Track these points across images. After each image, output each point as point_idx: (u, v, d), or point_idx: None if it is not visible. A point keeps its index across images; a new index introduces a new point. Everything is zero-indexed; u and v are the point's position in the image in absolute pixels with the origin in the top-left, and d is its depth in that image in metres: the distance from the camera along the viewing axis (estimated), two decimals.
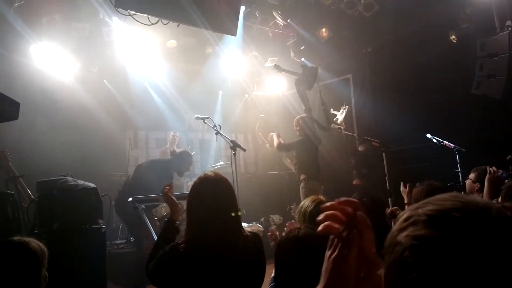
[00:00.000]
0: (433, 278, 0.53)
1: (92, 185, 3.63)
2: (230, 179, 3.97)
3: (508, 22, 5.04)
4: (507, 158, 3.24)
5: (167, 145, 7.39)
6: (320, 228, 0.78)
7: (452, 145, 5.27)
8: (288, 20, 6.70)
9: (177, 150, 5.35)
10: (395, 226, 0.62)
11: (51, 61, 5.97)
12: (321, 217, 0.80)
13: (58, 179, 3.62)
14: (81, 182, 3.65)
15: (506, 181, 3.04)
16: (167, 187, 2.42)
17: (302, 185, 5.19)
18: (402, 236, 0.59)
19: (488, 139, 5.53)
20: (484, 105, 5.57)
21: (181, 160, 4.96)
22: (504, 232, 0.53)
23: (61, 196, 3.45)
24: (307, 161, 5.23)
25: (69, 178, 3.65)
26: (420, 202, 0.62)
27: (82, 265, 3.23)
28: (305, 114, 5.47)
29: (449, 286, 0.52)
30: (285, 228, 2.40)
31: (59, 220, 3.40)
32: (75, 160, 5.71)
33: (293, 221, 2.55)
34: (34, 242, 1.71)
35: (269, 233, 2.36)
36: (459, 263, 0.52)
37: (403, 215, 0.62)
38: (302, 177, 5.23)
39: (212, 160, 8.33)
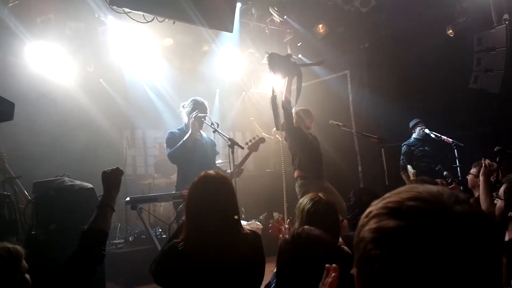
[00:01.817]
0: (395, 267, 0.55)
1: (89, 185, 3.62)
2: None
3: (506, 16, 5.02)
4: (495, 149, 3.24)
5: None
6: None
7: (450, 140, 5.26)
8: (285, 17, 6.66)
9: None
10: (359, 223, 0.64)
11: (46, 61, 5.92)
12: None
13: (55, 180, 3.61)
14: (77, 182, 3.64)
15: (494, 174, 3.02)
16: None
17: (296, 184, 4.86)
18: (364, 231, 0.61)
19: (486, 133, 5.53)
20: (482, 100, 5.56)
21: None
22: (456, 215, 0.56)
23: (57, 197, 3.44)
24: (300, 156, 4.86)
25: (66, 179, 3.64)
26: (380, 198, 0.64)
27: None
28: (305, 108, 5.18)
29: (411, 273, 0.54)
30: (270, 226, 2.40)
31: (56, 220, 3.39)
32: (72, 160, 5.69)
33: (280, 215, 2.54)
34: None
35: (270, 226, 2.36)
36: (418, 249, 0.54)
37: (366, 211, 0.64)
38: (296, 174, 4.89)
39: None
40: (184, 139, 4.15)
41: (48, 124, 5.99)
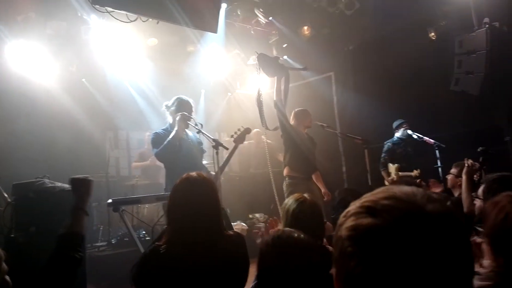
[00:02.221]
0: (370, 264, 0.57)
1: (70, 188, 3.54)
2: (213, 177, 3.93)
3: (486, 20, 5.13)
4: (478, 150, 3.31)
5: (146, 146, 7.30)
6: None
7: (432, 141, 5.35)
8: (270, 18, 6.67)
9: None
10: (338, 222, 0.67)
11: (27, 61, 5.80)
12: None
13: (35, 182, 3.54)
14: (58, 184, 3.57)
15: (476, 174, 3.09)
16: None
17: (284, 182, 4.90)
18: (342, 230, 0.64)
19: (466, 134, 5.64)
20: (463, 101, 5.67)
21: None
22: (427, 213, 0.59)
23: (38, 199, 3.38)
24: (291, 153, 4.90)
25: (46, 180, 3.57)
26: (360, 198, 0.67)
27: None
28: (303, 108, 5.22)
29: (385, 269, 0.56)
30: (266, 225, 2.39)
31: (36, 223, 3.32)
32: (53, 161, 5.58)
33: (275, 217, 2.52)
34: None
35: (256, 231, 2.35)
36: (391, 246, 0.57)
37: (345, 211, 0.67)
38: (285, 172, 4.92)
39: None
40: (170, 137, 4.08)
41: (28, 124, 5.86)
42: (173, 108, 4.28)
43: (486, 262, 1.28)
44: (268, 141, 5.96)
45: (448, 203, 0.62)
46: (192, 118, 4.21)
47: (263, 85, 8.26)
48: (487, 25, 5.08)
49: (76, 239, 1.72)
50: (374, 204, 0.62)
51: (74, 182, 1.88)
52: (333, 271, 0.66)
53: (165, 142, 4.06)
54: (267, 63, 4.86)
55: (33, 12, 5.50)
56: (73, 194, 1.87)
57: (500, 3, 5.16)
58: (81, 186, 1.87)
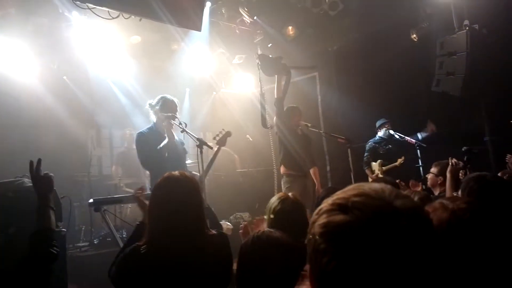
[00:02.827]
0: (342, 259, 0.59)
1: None
2: (197, 178, 3.92)
3: (466, 22, 5.23)
4: (463, 149, 3.38)
5: (126, 144, 7.21)
6: None
7: (413, 140, 5.44)
8: (255, 18, 6.68)
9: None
10: (311, 220, 0.69)
11: (7, 58, 5.67)
12: None
13: (14, 181, 3.46)
14: None
15: (461, 173, 3.15)
16: (139, 191, 2.37)
17: (282, 181, 4.99)
18: (314, 227, 0.65)
19: (447, 134, 5.75)
20: (444, 102, 5.77)
21: None
22: (396, 208, 0.62)
23: (17, 199, 3.30)
24: (285, 152, 4.98)
25: (26, 180, 3.49)
26: (332, 195, 0.69)
27: None
28: (293, 105, 5.28)
29: (357, 264, 0.58)
30: (247, 226, 2.38)
31: (15, 223, 3.25)
32: (34, 160, 5.46)
33: (262, 217, 2.52)
34: None
35: (241, 231, 2.34)
36: (362, 241, 0.59)
37: (317, 209, 0.69)
38: (281, 170, 5.02)
39: None
40: (161, 147, 4.05)
41: (8, 122, 5.73)
42: (157, 107, 4.24)
43: None
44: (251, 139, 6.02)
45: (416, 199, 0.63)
46: (177, 117, 4.18)
47: (250, 84, 8.33)
48: (467, 27, 5.18)
49: (48, 234, 1.74)
50: (345, 201, 0.64)
51: (35, 179, 1.90)
52: (307, 268, 0.68)
53: (155, 152, 4.04)
54: (267, 63, 5.01)
55: (13, 8, 5.37)
56: (35, 191, 1.88)
57: (479, 6, 5.27)
58: (42, 183, 1.89)
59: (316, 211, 0.68)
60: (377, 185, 0.67)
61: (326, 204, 0.67)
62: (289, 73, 5.07)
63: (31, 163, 1.93)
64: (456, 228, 1.04)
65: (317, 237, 0.63)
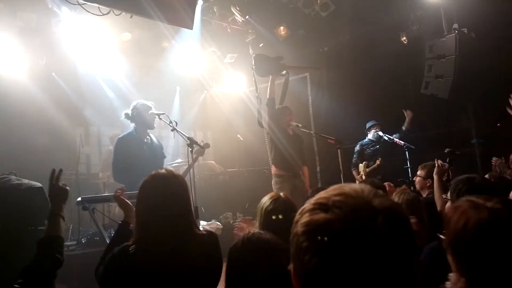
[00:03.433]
0: (324, 257, 0.61)
1: (38, 184, 3.44)
2: (187, 177, 3.90)
3: (455, 25, 5.29)
4: (445, 151, 3.43)
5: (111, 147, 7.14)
6: None
7: (402, 142, 5.49)
8: (247, 17, 6.67)
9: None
10: (294, 220, 0.70)
11: None
12: None
13: (0, 178, 3.40)
14: (25, 181, 3.46)
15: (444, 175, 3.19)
16: (119, 190, 2.35)
17: (273, 181, 5.01)
18: (297, 226, 0.68)
19: (436, 136, 5.83)
20: (432, 104, 5.84)
21: None
22: (374, 207, 0.64)
23: (3, 197, 3.26)
24: (275, 152, 4.98)
25: (12, 177, 3.45)
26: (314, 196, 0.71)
27: None
28: (284, 105, 5.30)
29: (337, 261, 0.60)
30: (236, 227, 2.37)
31: (1, 221, 3.20)
32: (20, 158, 5.39)
33: (245, 218, 2.51)
34: None
35: (235, 230, 2.33)
36: (342, 239, 0.61)
37: (300, 208, 0.71)
38: (272, 170, 5.04)
39: (169, 157, 8.15)
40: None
41: None
42: (135, 114, 4.38)
43: (452, 275, 1.22)
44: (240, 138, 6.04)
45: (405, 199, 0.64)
46: (165, 114, 4.22)
47: (242, 83, 8.33)
48: (456, 31, 5.25)
49: (56, 242, 1.82)
50: (326, 200, 0.67)
51: (53, 188, 1.97)
52: (290, 267, 0.69)
53: (131, 158, 4.11)
54: (263, 63, 5.04)
55: (1, 2, 5.29)
56: (50, 200, 1.96)
57: (468, 10, 5.35)
58: (59, 193, 1.97)
59: (300, 210, 0.70)
60: (357, 186, 0.70)
61: (308, 203, 0.69)
62: (287, 74, 5.13)
63: (53, 171, 1.99)
64: (498, 227, 1.07)
65: (300, 235, 0.66)
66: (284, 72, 5.21)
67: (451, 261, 1.21)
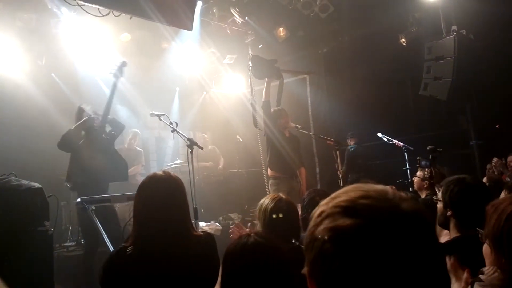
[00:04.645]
0: (354, 264, 0.59)
1: (38, 185, 3.44)
2: (187, 178, 3.91)
3: (454, 27, 5.31)
4: (427, 148, 3.44)
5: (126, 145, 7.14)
6: None
7: (401, 143, 5.51)
8: (246, 18, 6.68)
9: None
10: (311, 223, 0.67)
11: None
12: None
13: (0, 179, 3.40)
14: (25, 182, 3.45)
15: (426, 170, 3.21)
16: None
17: (269, 183, 5.03)
18: (319, 231, 0.64)
19: (434, 137, 5.84)
20: (431, 106, 5.86)
21: None
22: (403, 211, 0.62)
23: (3, 197, 3.25)
24: (271, 154, 5.01)
25: (12, 178, 3.44)
26: (328, 198, 0.68)
27: (27, 270, 3.05)
28: (279, 108, 5.30)
29: (369, 268, 0.58)
30: (231, 231, 2.37)
31: (1, 222, 3.20)
32: (20, 158, 5.39)
33: (238, 223, 2.50)
34: None
35: (231, 231, 2.33)
36: (374, 245, 0.58)
37: (316, 211, 0.67)
38: (268, 172, 5.05)
39: (169, 158, 8.15)
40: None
41: None
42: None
43: (487, 268, 1.26)
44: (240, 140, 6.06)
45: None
46: (165, 115, 4.25)
47: (241, 84, 8.33)
48: (455, 33, 5.27)
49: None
50: (351, 203, 0.63)
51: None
52: (305, 271, 0.67)
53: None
54: (260, 65, 5.04)
55: (1, 3, 5.30)
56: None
57: (467, 12, 5.37)
58: None
59: (317, 213, 0.66)
60: (378, 187, 0.66)
61: (326, 206, 0.66)
62: (280, 77, 5.12)
63: None
64: None
65: (324, 241, 0.62)
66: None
67: (488, 254, 1.25)
